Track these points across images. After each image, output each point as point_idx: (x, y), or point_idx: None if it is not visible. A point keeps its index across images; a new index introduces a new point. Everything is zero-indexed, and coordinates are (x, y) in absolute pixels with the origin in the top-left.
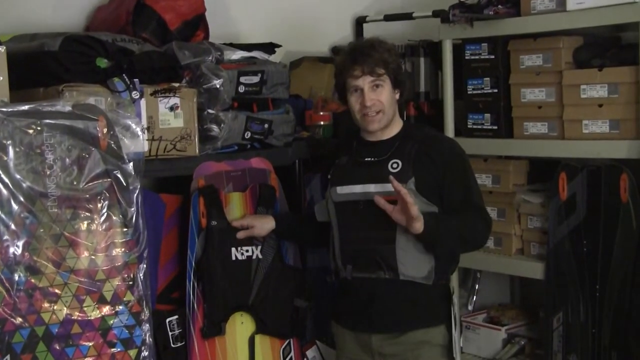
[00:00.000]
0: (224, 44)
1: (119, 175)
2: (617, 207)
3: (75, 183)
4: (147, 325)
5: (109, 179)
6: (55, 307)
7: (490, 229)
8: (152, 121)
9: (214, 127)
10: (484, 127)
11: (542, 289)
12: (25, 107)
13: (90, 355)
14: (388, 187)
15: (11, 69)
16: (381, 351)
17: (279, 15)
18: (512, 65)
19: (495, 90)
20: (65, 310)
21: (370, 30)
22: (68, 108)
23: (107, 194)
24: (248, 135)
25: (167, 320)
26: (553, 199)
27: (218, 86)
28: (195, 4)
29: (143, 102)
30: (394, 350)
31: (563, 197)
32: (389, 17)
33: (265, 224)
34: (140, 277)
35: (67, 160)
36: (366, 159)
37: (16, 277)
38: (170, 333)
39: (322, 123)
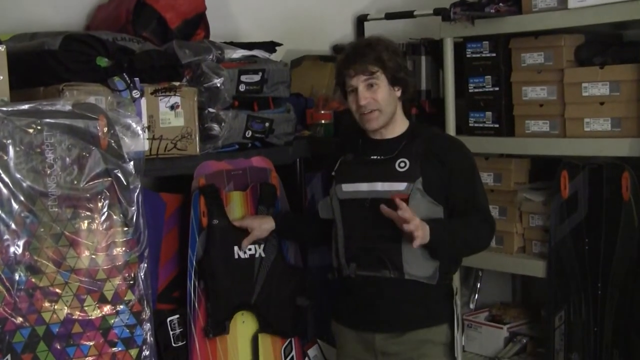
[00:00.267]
0: (225, 42)
1: (120, 175)
2: (618, 205)
3: (75, 182)
4: (148, 324)
5: (109, 178)
6: (55, 307)
7: (494, 231)
8: (152, 120)
9: (215, 126)
10: (486, 125)
11: (544, 288)
12: (26, 106)
13: (91, 354)
14: (395, 185)
15: (11, 68)
16: (384, 350)
17: (279, 14)
18: (514, 64)
19: (497, 89)
20: (66, 310)
21: (371, 29)
22: (68, 107)
23: (108, 193)
24: (249, 134)
25: (168, 319)
26: (555, 197)
27: (219, 85)
28: (195, 3)
29: (143, 101)
30: (397, 349)
31: (565, 195)
32: (390, 16)
33: (264, 225)
34: (141, 276)
35: (68, 159)
36: (372, 157)
37: (17, 277)
38: (171, 332)
39: (323, 122)
